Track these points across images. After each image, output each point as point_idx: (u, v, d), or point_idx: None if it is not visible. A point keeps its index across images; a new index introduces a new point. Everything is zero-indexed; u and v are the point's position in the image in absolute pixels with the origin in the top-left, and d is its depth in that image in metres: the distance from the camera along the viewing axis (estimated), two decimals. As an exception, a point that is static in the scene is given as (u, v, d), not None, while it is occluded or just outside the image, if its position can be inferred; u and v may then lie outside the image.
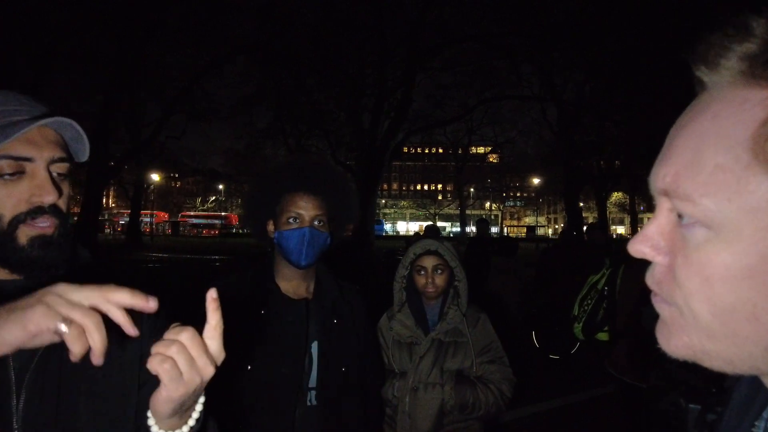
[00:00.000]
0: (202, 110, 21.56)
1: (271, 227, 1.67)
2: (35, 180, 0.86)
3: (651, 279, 0.48)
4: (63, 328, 0.60)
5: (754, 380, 0.55)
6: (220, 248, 25.41)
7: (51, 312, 0.60)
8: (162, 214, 52.46)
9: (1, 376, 0.82)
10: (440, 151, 55.83)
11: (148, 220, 40.45)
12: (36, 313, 0.60)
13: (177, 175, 47.43)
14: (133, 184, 27.67)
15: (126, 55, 13.22)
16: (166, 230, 47.52)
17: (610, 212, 43.39)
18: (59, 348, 0.85)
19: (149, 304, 0.64)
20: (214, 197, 61.05)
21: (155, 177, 34.10)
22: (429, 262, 2.04)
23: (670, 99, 13.69)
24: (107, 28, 12.66)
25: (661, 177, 0.45)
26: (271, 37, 14.96)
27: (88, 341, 0.62)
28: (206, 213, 56.13)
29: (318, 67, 15.13)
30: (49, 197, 0.87)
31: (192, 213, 55.62)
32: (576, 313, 3.42)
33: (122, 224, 42.73)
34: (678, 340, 0.46)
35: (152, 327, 1.00)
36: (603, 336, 3.28)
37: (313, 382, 1.61)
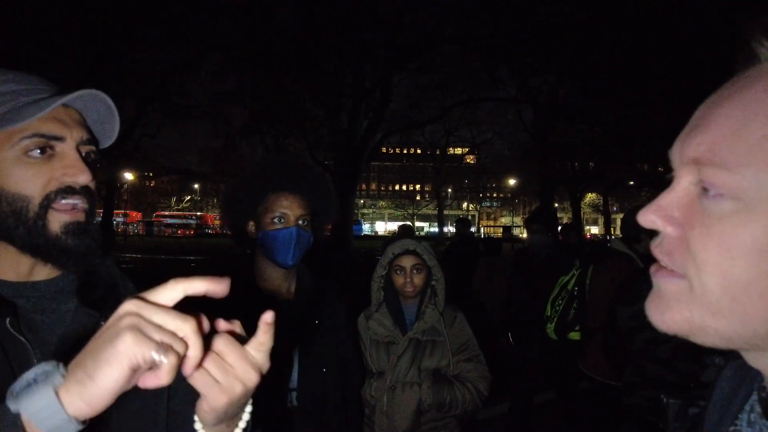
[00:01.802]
0: (177, 108, 21.15)
1: (251, 228, 1.65)
2: (66, 160, 0.81)
3: (659, 249, 0.47)
4: (160, 357, 0.51)
5: (736, 374, 0.57)
6: (195, 248, 24.99)
7: (142, 338, 0.51)
8: (135, 213, 51.29)
9: None
10: (418, 151, 56.01)
11: (120, 220, 39.49)
12: (127, 342, 0.50)
13: (151, 174, 46.42)
14: (105, 183, 26.98)
15: (99, 50, 12.90)
16: (139, 230, 46.48)
17: (584, 213, 44.24)
18: None
19: (221, 287, 0.58)
20: (189, 197, 60.00)
21: (129, 176, 33.34)
22: (407, 261, 2.05)
23: (643, 102, 14.03)
24: (80, 22, 12.31)
25: (694, 145, 0.44)
26: (248, 36, 14.79)
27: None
28: (181, 213, 55.11)
29: (295, 66, 15.01)
30: (83, 176, 0.81)
31: (167, 213, 54.55)
32: (548, 314, 3.49)
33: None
34: (676, 314, 0.45)
35: None
36: (575, 335, 3.34)
37: (294, 383, 1.60)
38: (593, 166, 25.55)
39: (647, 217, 0.47)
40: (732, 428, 0.53)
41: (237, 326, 0.65)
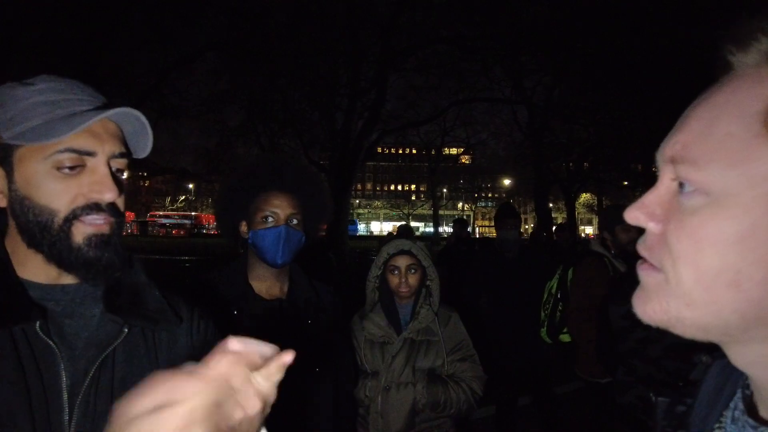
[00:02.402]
0: (171, 107, 21.06)
1: (244, 228, 1.66)
2: (95, 175, 0.82)
3: (642, 245, 0.50)
4: None
5: (722, 372, 0.58)
6: (189, 249, 24.92)
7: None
8: (127, 213, 50.98)
9: (54, 393, 0.78)
10: (414, 151, 56.16)
11: (114, 219, 39.19)
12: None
13: (145, 174, 46.26)
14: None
15: (90, 48, 12.80)
16: (132, 230, 46.28)
17: (578, 213, 44.43)
18: (111, 365, 0.84)
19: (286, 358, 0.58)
20: (184, 196, 59.80)
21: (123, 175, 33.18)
22: (402, 261, 2.05)
23: (637, 103, 14.11)
24: (71, 19, 12.20)
25: (671, 144, 0.47)
26: (242, 34, 14.74)
27: None
28: (176, 212, 54.91)
29: (290, 65, 14.99)
30: (110, 194, 0.82)
31: (161, 213, 54.34)
32: (542, 318, 3.53)
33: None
34: (656, 305, 0.47)
35: (192, 334, 0.99)
36: (565, 337, 3.37)
37: (286, 382, 1.60)
38: (588, 166, 25.65)
39: (632, 214, 0.49)
40: (717, 425, 0.54)
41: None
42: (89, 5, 11.72)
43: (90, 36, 12.38)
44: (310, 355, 1.65)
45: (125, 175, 0.89)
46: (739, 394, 0.54)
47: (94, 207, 0.81)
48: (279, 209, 1.59)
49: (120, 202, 0.86)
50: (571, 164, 26.02)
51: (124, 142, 0.87)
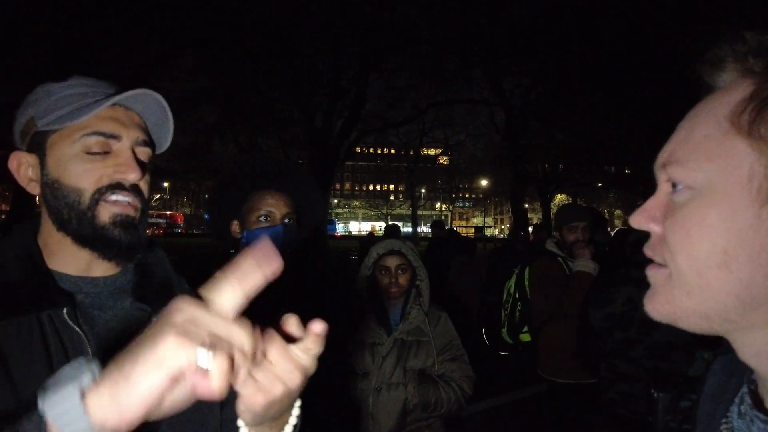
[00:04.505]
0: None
1: (235, 227, 1.63)
2: (119, 158, 0.87)
3: (648, 247, 0.55)
4: (203, 360, 0.44)
5: (725, 368, 0.60)
6: (165, 248, 24.39)
7: (187, 341, 0.44)
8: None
9: None
10: (392, 152, 56.22)
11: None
12: (168, 344, 0.43)
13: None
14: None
15: (63, 42, 12.43)
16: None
17: (553, 213, 45.08)
18: None
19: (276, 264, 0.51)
20: (158, 195, 58.60)
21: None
22: (392, 261, 2.06)
23: (614, 106, 14.40)
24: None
25: (662, 152, 0.54)
26: (222, 32, 14.53)
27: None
28: (151, 212, 53.67)
29: (271, 63, 14.84)
30: (133, 175, 0.86)
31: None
32: (501, 318, 3.44)
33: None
34: (662, 298, 0.52)
35: None
36: (525, 337, 3.29)
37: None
38: (563, 168, 26.08)
39: (635, 219, 0.55)
40: (724, 420, 0.56)
41: (292, 321, 0.58)
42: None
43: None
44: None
45: (148, 165, 0.93)
46: (744, 389, 0.56)
47: (117, 186, 0.85)
48: (275, 208, 1.58)
49: (144, 187, 0.90)
50: (546, 166, 26.43)
51: (149, 134, 0.92)
